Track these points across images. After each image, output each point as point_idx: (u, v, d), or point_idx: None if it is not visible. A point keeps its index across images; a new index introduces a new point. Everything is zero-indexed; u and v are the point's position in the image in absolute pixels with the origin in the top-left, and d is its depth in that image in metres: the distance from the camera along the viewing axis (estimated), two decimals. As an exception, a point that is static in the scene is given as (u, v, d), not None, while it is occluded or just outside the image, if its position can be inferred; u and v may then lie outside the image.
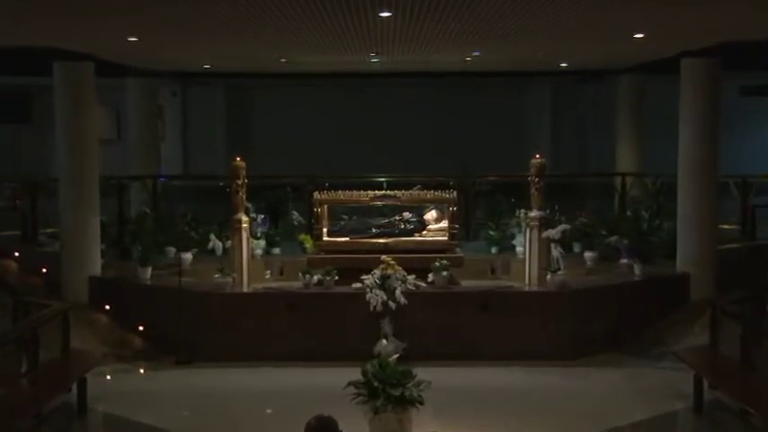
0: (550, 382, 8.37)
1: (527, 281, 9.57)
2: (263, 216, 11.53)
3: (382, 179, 12.59)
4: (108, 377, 8.58)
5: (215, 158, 15.58)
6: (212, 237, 9.59)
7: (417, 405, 6.52)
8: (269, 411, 7.85)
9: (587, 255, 10.87)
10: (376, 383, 6.93)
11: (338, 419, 4.11)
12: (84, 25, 8.22)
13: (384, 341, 8.58)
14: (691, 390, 7.45)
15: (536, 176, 9.53)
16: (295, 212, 12.10)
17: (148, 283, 9.85)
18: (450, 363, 8.57)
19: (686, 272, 10.13)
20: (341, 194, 10.23)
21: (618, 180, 13.36)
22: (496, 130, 16.48)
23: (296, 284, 9.41)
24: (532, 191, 9.58)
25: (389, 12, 7.41)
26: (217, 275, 9.33)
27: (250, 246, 9.89)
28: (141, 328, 9.49)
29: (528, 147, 14.69)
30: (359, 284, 8.86)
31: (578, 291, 9.31)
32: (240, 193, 9.61)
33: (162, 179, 13.54)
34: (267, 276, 10.91)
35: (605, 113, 15.29)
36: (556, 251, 9.37)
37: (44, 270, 10.56)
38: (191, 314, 9.03)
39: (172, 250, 10.93)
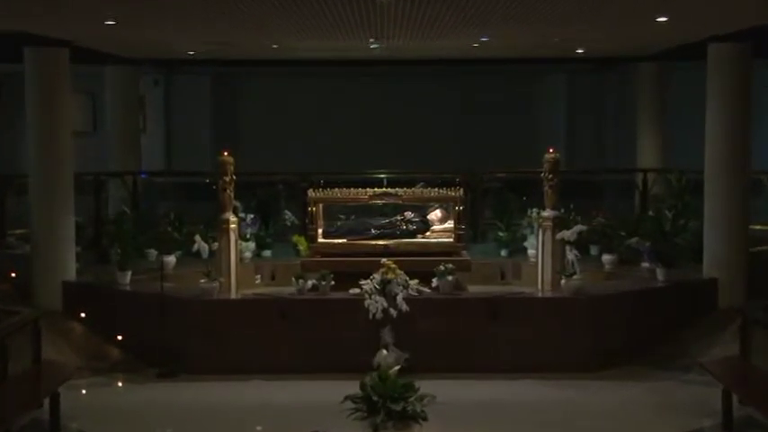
0: (565, 396, 8.35)
1: (540, 286, 9.55)
2: (252, 216, 11.54)
3: (382, 176, 12.57)
4: (83, 392, 8.56)
5: (200, 153, 15.57)
6: (197, 238, 9.55)
7: (420, 421, 6.53)
8: (259, 429, 7.83)
9: (605, 258, 10.87)
10: (375, 398, 6.94)
11: (334, 437, 4.10)
12: (57, 8, 8.21)
13: (384, 351, 8.56)
14: (719, 406, 7.43)
15: (550, 173, 9.52)
16: (288, 212, 12.10)
17: (128, 288, 9.84)
18: (455, 375, 8.55)
19: (714, 277, 10.11)
20: (337, 192, 10.22)
21: (639, 176, 13.34)
22: (507, 123, 16.48)
23: (288, 290, 9.40)
24: (546, 188, 9.56)
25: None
26: (202, 280, 9.32)
27: (238, 248, 9.88)
28: (120, 337, 9.48)
29: (541, 140, 14.67)
30: (357, 290, 8.86)
31: (595, 297, 9.30)
32: (228, 191, 9.59)
33: (143, 175, 13.54)
34: (257, 281, 10.90)
35: (625, 104, 15.29)
36: (571, 254, 9.35)
37: (13, 275, 10.54)
38: (174, 323, 9.02)
39: (153, 253, 10.91)
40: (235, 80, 16.88)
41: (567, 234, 9.37)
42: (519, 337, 8.93)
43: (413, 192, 10.34)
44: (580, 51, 13.25)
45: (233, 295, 9.49)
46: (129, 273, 9.95)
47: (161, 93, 16.61)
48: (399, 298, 8.65)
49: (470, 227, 11.78)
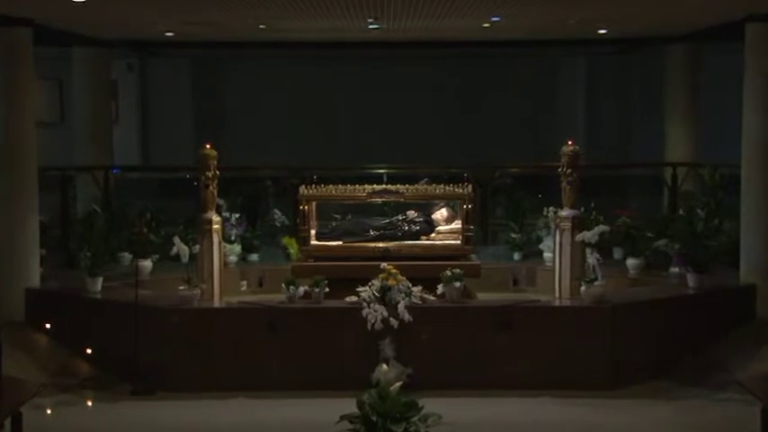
0: (586, 415, 8.35)
1: (557, 294, 9.57)
2: (237, 216, 11.56)
3: (382, 171, 12.62)
4: (48, 411, 8.56)
5: (180, 146, 15.63)
6: (176, 240, 9.55)
7: (424, 444, 6.52)
8: (244, 452, 7.85)
9: (630, 262, 10.88)
10: (374, 417, 6.94)
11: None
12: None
13: (384, 366, 8.58)
14: (758, 427, 7.41)
15: (568, 167, 9.53)
16: (277, 211, 12.13)
17: (98, 296, 9.83)
18: (463, 392, 8.56)
19: (752, 283, 10.13)
20: (332, 189, 10.24)
21: (668, 171, 13.36)
22: (520, 113, 16.52)
23: (278, 298, 9.41)
24: (564, 185, 9.57)
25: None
26: (182, 287, 9.33)
27: (222, 251, 9.90)
28: (89, 351, 9.48)
29: (559, 131, 14.73)
30: (354, 298, 8.87)
31: (619, 306, 9.30)
32: (210, 188, 9.60)
33: (115, 170, 13.56)
34: (243, 288, 10.94)
35: (653, 91, 15.30)
36: (592, 258, 9.35)
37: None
38: (150, 334, 9.02)
39: (127, 257, 10.94)
40: (218, 65, 16.92)
41: (587, 236, 9.38)
42: (534, 351, 8.93)
43: (416, 189, 10.33)
44: (602, 32, 13.26)
45: (216, 304, 9.49)
46: (100, 279, 9.95)
47: (136, 78, 16.65)
48: (401, 307, 8.66)
49: (480, 228, 11.80)
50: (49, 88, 15.52)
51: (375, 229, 10.30)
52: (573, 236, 9.43)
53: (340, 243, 10.17)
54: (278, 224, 12.00)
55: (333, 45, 14.74)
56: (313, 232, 10.18)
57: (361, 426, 7.10)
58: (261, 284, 11.04)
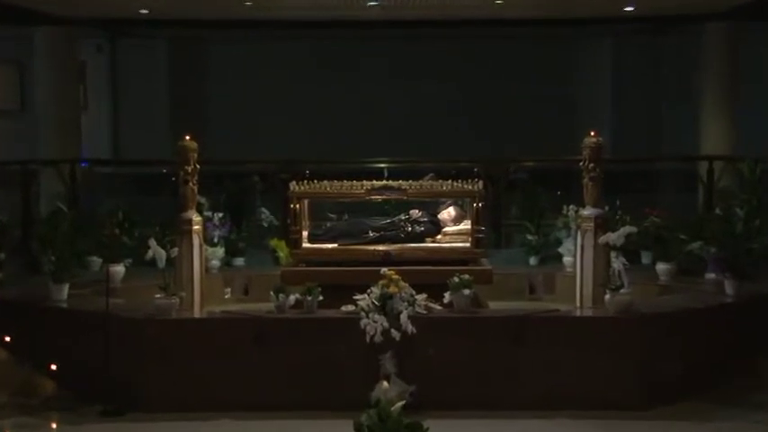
0: (611, 440, 8.35)
1: (578, 303, 9.56)
2: (221, 215, 11.57)
3: (383, 165, 12.62)
4: (8, 434, 8.57)
5: (156, 137, 15.64)
6: (152, 243, 9.54)
7: (430, 471, 6.53)
8: (228, 480, 7.86)
9: (661, 267, 10.88)
10: (374, 441, 6.94)
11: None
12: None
13: (385, 384, 8.54)
14: (803, 451, 7.44)
15: (591, 161, 9.50)
16: (265, 210, 12.14)
17: (64, 305, 9.80)
18: (473, 413, 8.56)
19: (797, 291, 10.14)
20: (327, 186, 10.20)
21: (703, 166, 13.37)
22: (538, 100, 16.52)
23: (266, 307, 9.40)
24: (586, 181, 9.56)
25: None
26: (158, 296, 9.31)
27: (204, 255, 9.89)
28: (54, 367, 9.47)
29: (581, 121, 14.73)
30: (351, 307, 8.85)
31: (648, 316, 9.29)
32: (190, 184, 9.58)
33: (83, 164, 13.57)
34: (227, 296, 10.94)
35: (686, 76, 15.30)
36: (617, 262, 9.34)
37: None
38: (122, 348, 9.00)
39: (97, 261, 10.93)
40: (199, 46, 16.93)
41: (612, 237, 9.37)
42: (552, 367, 8.90)
43: (420, 185, 10.33)
44: (630, 9, 13.27)
45: (196, 314, 9.47)
46: (66, 286, 9.92)
47: (106, 61, 16.66)
48: (403, 317, 8.64)
49: (492, 228, 11.80)
50: (8, 73, 15.52)
51: (375, 230, 10.29)
52: (596, 238, 9.40)
53: (335, 246, 10.16)
54: (266, 225, 12.01)
55: (327, 24, 14.77)
56: (305, 234, 10.16)
57: (359, 450, 7.10)
58: (246, 292, 11.03)
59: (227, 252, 11.52)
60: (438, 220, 10.50)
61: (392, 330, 8.64)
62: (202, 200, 10.57)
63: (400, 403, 7.72)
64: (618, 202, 10.79)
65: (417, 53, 16.45)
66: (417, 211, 10.50)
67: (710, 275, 10.45)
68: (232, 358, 8.98)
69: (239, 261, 11.64)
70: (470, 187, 10.10)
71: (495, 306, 9.90)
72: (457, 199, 10.46)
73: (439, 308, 9.06)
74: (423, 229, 10.35)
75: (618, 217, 10.59)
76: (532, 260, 11.63)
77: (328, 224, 10.63)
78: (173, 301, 9.28)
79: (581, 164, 9.59)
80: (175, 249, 9.52)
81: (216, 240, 11.34)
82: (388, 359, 8.66)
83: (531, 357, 8.93)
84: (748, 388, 9.26)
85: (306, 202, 10.21)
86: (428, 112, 16.47)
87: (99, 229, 11.28)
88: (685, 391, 9.09)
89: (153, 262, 9.43)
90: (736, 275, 9.93)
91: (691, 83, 14.80)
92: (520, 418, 8.62)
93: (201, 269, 9.66)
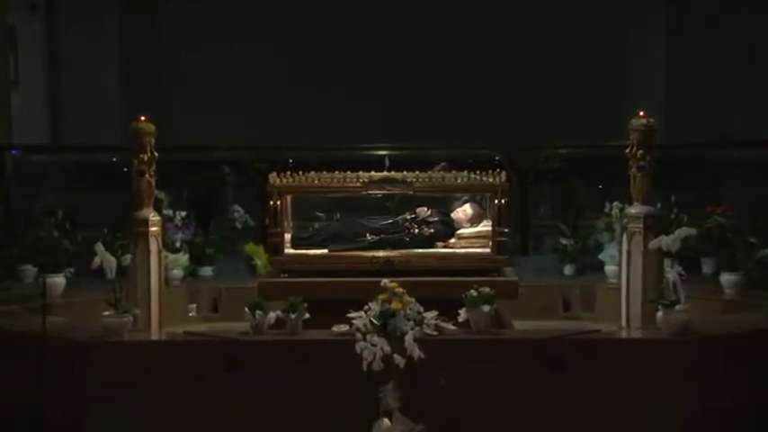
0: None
1: (624, 322, 9.55)
2: (184, 214, 11.59)
3: (383, 152, 12.62)
4: (-77, 483, 8.56)
5: (104, 118, 15.63)
6: (99, 248, 9.55)
7: None
8: None
9: (726, 278, 10.89)
10: (372, 493, 6.93)
11: None
12: None
13: (386, 421, 8.55)
14: None
15: (640, 148, 9.48)
16: (238, 208, 12.15)
17: (-8, 325, 9.84)
18: (495, 459, 8.55)
19: None
20: (314, 178, 10.18)
21: (780, 153, 13.41)
22: (573, 71, 16.51)
23: (239, 327, 9.38)
24: (633, 171, 9.54)
25: None
26: (107, 313, 9.30)
27: (163, 263, 9.88)
28: (-21, 400, 9.48)
29: (628, 98, 14.71)
30: (344, 327, 8.82)
31: (709, 339, 9.27)
32: (146, 176, 9.57)
33: (14, 151, 13.60)
34: (192, 314, 10.97)
35: (759, 48, 15.28)
36: (673, 272, 9.33)
37: None
38: (63, 377, 8.99)
39: (31, 270, 10.97)
40: (158, 6, 16.87)
41: (666, 242, 9.34)
42: (593, 398, 8.87)
43: (429, 177, 10.31)
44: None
45: (154, 335, 9.48)
46: (-6, 301, 9.97)
47: (41, 24, 16.58)
48: (409, 339, 8.60)
49: (518, 231, 11.79)
50: None
51: (373, 232, 10.29)
52: (646, 242, 9.40)
53: (325, 252, 10.17)
54: (239, 226, 12.04)
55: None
56: (288, 237, 10.18)
57: (354, 504, 7.10)
58: (216, 309, 11.06)
59: (191, 259, 11.54)
60: (451, 221, 10.50)
61: (395, 356, 8.59)
62: (161, 195, 10.58)
63: (404, 446, 7.73)
64: (673, 198, 10.79)
65: (428, 20, 16.37)
66: (426, 209, 10.51)
67: (787, 289, 10.50)
68: (197, 390, 8.93)
69: (207, 271, 11.68)
70: (491, 180, 10.08)
71: (520, 326, 9.95)
72: (474, 194, 10.48)
73: (452, 328, 9.01)
74: (432, 231, 10.35)
75: (673, 216, 10.58)
76: (567, 269, 11.66)
77: (316, 225, 10.66)
78: (124, 319, 9.25)
79: (627, 151, 9.56)
80: (128, 256, 9.50)
81: (178, 245, 11.37)
82: (390, 391, 8.62)
83: (566, 389, 8.90)
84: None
85: (289, 198, 10.19)
86: (441, 89, 16.42)
87: (34, 230, 11.29)
88: (754, 425, 9.09)
89: (100, 272, 9.42)
90: (819, 289, 9.97)
91: (764, 56, 14.80)
92: (552, 463, 8.66)
93: (160, 280, 9.65)
